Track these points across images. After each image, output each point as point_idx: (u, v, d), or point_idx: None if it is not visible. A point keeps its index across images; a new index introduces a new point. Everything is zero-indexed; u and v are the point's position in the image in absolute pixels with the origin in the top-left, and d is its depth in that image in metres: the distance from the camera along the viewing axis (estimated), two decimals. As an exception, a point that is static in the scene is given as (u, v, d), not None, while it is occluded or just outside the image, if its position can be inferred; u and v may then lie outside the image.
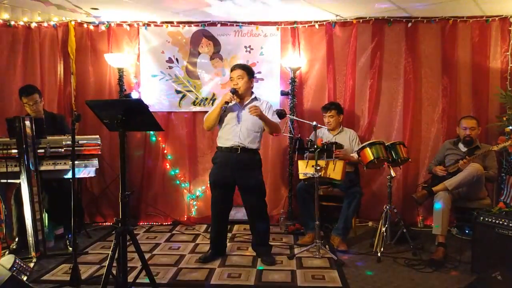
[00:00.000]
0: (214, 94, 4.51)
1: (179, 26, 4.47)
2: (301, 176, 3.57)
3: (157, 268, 3.17)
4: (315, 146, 3.38)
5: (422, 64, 4.36)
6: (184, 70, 4.53)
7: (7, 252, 3.36)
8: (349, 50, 4.41)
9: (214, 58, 4.52)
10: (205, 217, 4.52)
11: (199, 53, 4.51)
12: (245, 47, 4.47)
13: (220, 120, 3.32)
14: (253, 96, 3.37)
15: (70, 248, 3.45)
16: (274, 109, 3.52)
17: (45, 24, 4.40)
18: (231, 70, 3.35)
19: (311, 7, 3.92)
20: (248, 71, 3.33)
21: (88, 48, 4.49)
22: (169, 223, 4.53)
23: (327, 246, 3.55)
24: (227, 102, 3.20)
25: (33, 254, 3.23)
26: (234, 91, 3.23)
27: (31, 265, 3.10)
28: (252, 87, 3.40)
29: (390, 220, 3.58)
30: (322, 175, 3.44)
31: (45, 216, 3.64)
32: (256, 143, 3.34)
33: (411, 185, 4.32)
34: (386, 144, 3.61)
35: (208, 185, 3.51)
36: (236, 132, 3.27)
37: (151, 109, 4.14)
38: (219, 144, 3.36)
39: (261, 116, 3.20)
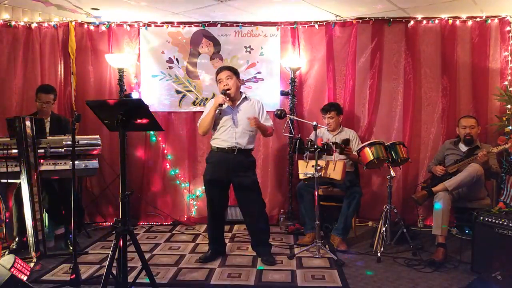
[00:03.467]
0: (214, 94, 4.50)
1: (179, 26, 4.48)
2: (301, 176, 3.57)
3: (157, 268, 3.17)
4: (315, 146, 3.38)
5: (421, 64, 4.36)
6: (184, 70, 4.53)
7: (7, 252, 3.36)
8: (349, 50, 4.41)
9: (214, 58, 4.52)
10: (205, 217, 4.47)
11: (199, 53, 4.52)
12: (245, 47, 4.48)
13: (214, 123, 3.32)
14: (243, 96, 3.38)
15: (71, 248, 3.45)
16: (274, 109, 3.53)
17: (46, 24, 4.40)
18: (217, 73, 3.35)
19: (311, 7, 3.92)
20: (234, 71, 3.35)
21: (89, 48, 4.50)
22: (169, 223, 4.54)
23: (327, 246, 3.56)
24: (220, 105, 3.21)
25: (33, 254, 3.23)
26: (225, 92, 3.23)
27: (31, 265, 3.10)
28: (240, 87, 3.42)
29: (390, 220, 3.58)
30: (322, 175, 3.44)
31: (45, 216, 3.65)
32: (251, 144, 3.36)
33: (411, 185, 4.33)
34: (386, 144, 3.62)
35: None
36: (232, 134, 3.27)
37: (151, 109, 4.15)
38: (214, 145, 3.36)
39: (259, 125, 3.28)
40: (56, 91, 3.86)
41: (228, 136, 3.28)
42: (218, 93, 4.42)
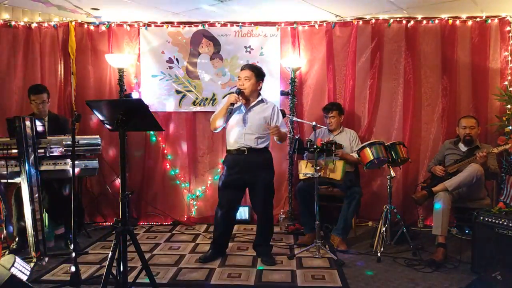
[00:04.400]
0: (214, 94, 4.51)
1: (179, 26, 4.48)
2: (301, 176, 3.57)
3: (157, 268, 3.17)
4: (315, 146, 3.38)
5: (421, 64, 4.36)
6: (184, 70, 4.53)
7: (7, 252, 3.36)
8: (349, 50, 4.41)
9: (214, 58, 4.52)
10: (205, 217, 4.53)
11: (199, 53, 4.52)
12: (245, 47, 4.48)
13: (227, 121, 3.30)
14: (259, 98, 3.33)
15: (71, 247, 3.45)
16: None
17: (46, 25, 4.40)
18: (241, 69, 3.32)
19: (311, 7, 3.92)
20: (257, 73, 3.27)
21: (89, 48, 4.50)
22: (169, 223, 4.53)
23: (327, 246, 3.56)
24: (232, 104, 3.17)
25: (33, 254, 3.23)
26: (239, 92, 3.20)
27: (31, 265, 3.10)
28: (259, 89, 3.35)
29: (390, 220, 3.58)
30: (322, 175, 3.45)
31: (45, 216, 3.65)
32: (263, 144, 3.31)
33: (411, 185, 4.32)
34: (386, 144, 3.62)
35: (217, 186, 3.44)
36: (241, 135, 3.25)
37: (151, 109, 4.15)
38: (227, 147, 3.35)
39: (279, 134, 3.20)
40: (47, 89, 3.79)
41: (238, 137, 3.26)
42: (219, 92, 4.49)
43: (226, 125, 3.33)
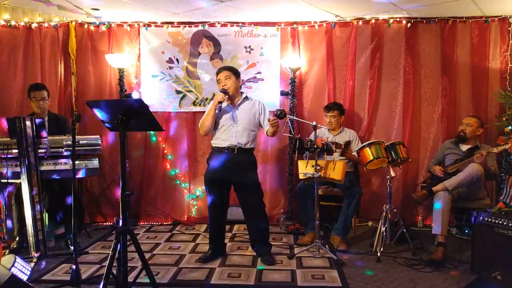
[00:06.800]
0: (214, 94, 4.51)
1: (179, 26, 4.48)
2: (301, 176, 3.57)
3: (157, 268, 3.18)
4: (315, 146, 3.38)
5: (421, 64, 4.36)
6: (184, 70, 4.54)
7: (7, 252, 3.36)
8: (348, 51, 4.42)
9: (214, 59, 4.53)
10: (205, 217, 4.50)
11: (199, 54, 4.52)
12: (245, 47, 4.48)
13: (215, 122, 3.33)
14: (244, 96, 3.40)
15: (71, 247, 3.45)
16: (274, 109, 3.53)
17: (46, 25, 4.41)
18: (217, 73, 3.38)
19: (311, 7, 3.93)
20: (234, 71, 3.37)
21: (89, 48, 4.50)
22: (169, 223, 4.54)
23: (327, 246, 3.56)
24: (220, 102, 3.23)
25: (33, 254, 3.24)
26: (225, 91, 3.26)
27: (32, 265, 3.10)
28: (240, 87, 3.45)
29: (390, 220, 3.58)
30: (322, 175, 3.45)
31: (45, 216, 3.65)
32: (252, 143, 3.35)
33: (411, 185, 4.32)
34: (385, 144, 3.62)
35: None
36: (232, 132, 3.28)
37: (151, 109, 4.15)
38: (214, 145, 3.37)
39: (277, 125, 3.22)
40: (47, 88, 3.81)
41: (229, 135, 3.28)
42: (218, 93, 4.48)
43: (215, 126, 3.35)
